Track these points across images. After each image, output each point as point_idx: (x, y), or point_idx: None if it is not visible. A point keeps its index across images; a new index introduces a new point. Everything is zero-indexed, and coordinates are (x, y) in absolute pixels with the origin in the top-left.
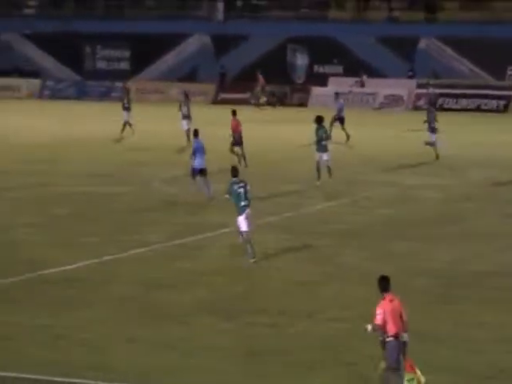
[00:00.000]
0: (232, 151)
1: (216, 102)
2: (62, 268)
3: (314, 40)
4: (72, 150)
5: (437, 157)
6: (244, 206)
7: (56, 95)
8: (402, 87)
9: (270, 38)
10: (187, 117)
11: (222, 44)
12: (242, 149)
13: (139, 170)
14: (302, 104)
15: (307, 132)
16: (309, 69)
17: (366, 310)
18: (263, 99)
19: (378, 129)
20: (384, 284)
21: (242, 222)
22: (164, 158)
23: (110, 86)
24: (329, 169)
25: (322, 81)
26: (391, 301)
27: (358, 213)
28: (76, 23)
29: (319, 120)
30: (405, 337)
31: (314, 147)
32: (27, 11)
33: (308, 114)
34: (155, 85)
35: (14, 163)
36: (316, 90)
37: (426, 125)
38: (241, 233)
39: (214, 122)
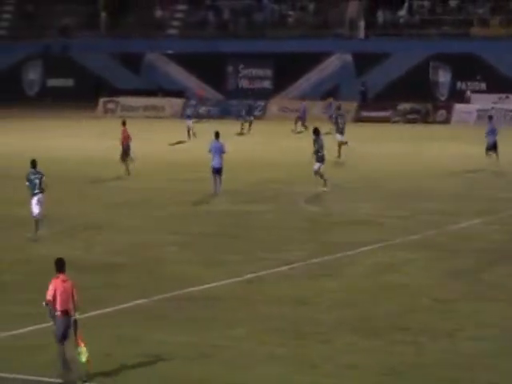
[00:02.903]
0: (122, 160)
1: (357, 120)
2: (206, 286)
3: (456, 57)
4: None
5: None
6: (37, 192)
7: (199, 115)
8: None
9: (412, 55)
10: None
11: (363, 62)
12: (129, 159)
13: (281, 188)
14: (445, 121)
15: (451, 149)
16: (451, 86)
17: (509, 328)
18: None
19: None
20: (59, 265)
21: (34, 207)
22: (306, 176)
23: (252, 105)
24: (322, 176)
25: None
26: (64, 281)
27: (504, 231)
28: (218, 43)
29: (316, 132)
30: (76, 315)
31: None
32: (171, 31)
33: (451, 132)
34: (297, 103)
35: (167, 181)
36: (459, 107)
37: None
38: (32, 215)
39: (354, 139)
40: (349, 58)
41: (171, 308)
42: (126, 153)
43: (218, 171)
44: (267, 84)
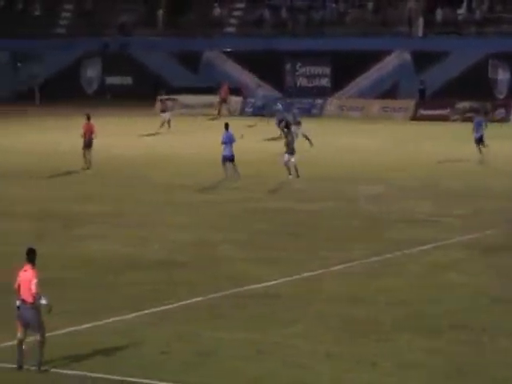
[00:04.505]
0: (84, 154)
1: (415, 118)
2: (264, 284)
3: None
4: (272, 167)
5: None
6: None
7: (257, 112)
8: None
9: (471, 53)
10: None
11: (422, 60)
12: (90, 152)
13: (340, 186)
14: (504, 119)
15: (509, 148)
16: (510, 84)
17: None
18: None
19: None
20: (29, 256)
21: None
22: (366, 174)
23: (310, 103)
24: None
25: None
26: (25, 271)
27: None
28: (276, 41)
29: (287, 125)
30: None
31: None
32: (228, 29)
33: (510, 130)
34: (355, 101)
35: (221, 178)
36: None
37: None
38: None
39: (413, 138)
40: (407, 56)
41: (229, 306)
42: (87, 145)
43: (230, 159)
44: (325, 82)
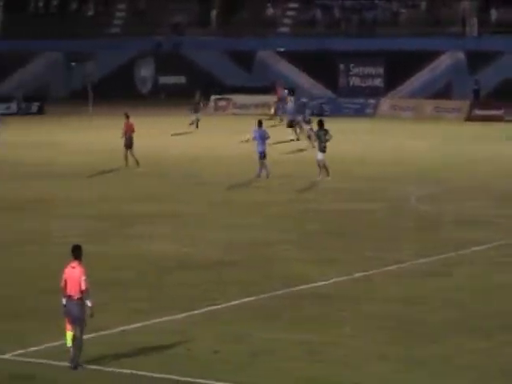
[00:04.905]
0: (126, 152)
1: (470, 118)
2: (316, 284)
3: None
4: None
5: None
6: None
7: (310, 112)
8: None
9: None
10: None
11: (476, 60)
12: (132, 151)
13: (390, 186)
14: None
15: None
16: None
17: None
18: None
19: None
20: (75, 253)
21: None
22: (417, 174)
23: (363, 103)
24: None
25: None
26: (73, 267)
27: None
28: (329, 41)
29: (320, 124)
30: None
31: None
32: (282, 29)
33: None
34: (408, 101)
35: (271, 179)
36: None
37: None
38: None
39: (466, 138)
40: (461, 56)
41: (282, 306)
42: (128, 144)
43: (262, 156)
44: (378, 82)
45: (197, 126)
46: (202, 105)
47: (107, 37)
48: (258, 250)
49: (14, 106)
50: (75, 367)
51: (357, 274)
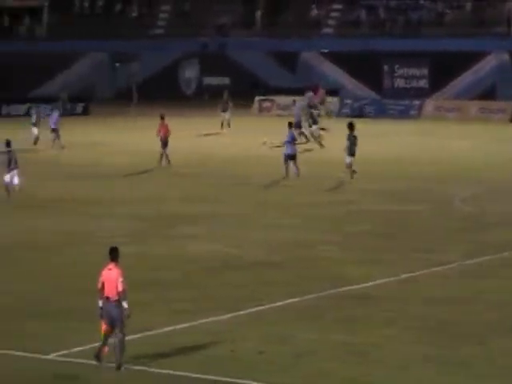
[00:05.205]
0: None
1: None
2: (360, 285)
3: None
4: (370, 168)
5: None
6: (11, 169)
7: (355, 113)
8: None
9: None
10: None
11: None
12: (166, 151)
13: (434, 187)
14: None
15: None
16: None
17: None
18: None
19: None
20: (112, 255)
21: (8, 178)
22: (461, 175)
23: (408, 105)
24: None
25: None
26: (110, 269)
27: None
28: (374, 42)
29: (350, 127)
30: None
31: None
32: (326, 30)
33: None
34: (453, 103)
35: (315, 179)
36: None
37: None
38: (6, 185)
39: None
40: (506, 56)
41: (325, 307)
42: (164, 145)
43: (292, 157)
44: (423, 83)
45: (229, 126)
46: (230, 104)
47: (151, 38)
48: (302, 251)
49: (59, 107)
50: (118, 367)
51: (402, 275)
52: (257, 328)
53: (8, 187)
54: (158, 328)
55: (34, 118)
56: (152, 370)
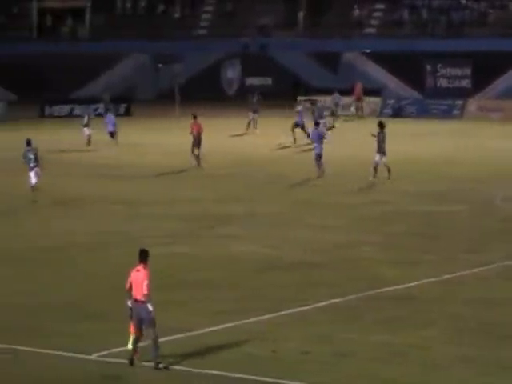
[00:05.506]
0: (192, 152)
1: None
2: (400, 286)
3: None
4: (410, 168)
5: None
6: (33, 166)
7: (397, 113)
8: None
9: None
10: None
11: None
12: (199, 150)
13: (476, 188)
14: None
15: None
16: None
17: None
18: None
19: None
20: (142, 256)
21: (32, 178)
22: (503, 175)
23: (450, 104)
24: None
25: None
26: (138, 271)
27: None
28: (416, 42)
29: (381, 125)
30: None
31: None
32: (368, 30)
33: None
34: (496, 103)
35: (355, 180)
36: None
37: None
38: (30, 185)
39: None
40: None
41: (366, 307)
42: (197, 144)
43: (319, 156)
44: (466, 83)
45: (254, 127)
46: (259, 105)
47: (194, 38)
48: (342, 251)
49: (101, 108)
50: (156, 366)
51: (443, 276)
52: (299, 328)
53: (32, 186)
54: (200, 328)
55: (85, 120)
56: (194, 370)
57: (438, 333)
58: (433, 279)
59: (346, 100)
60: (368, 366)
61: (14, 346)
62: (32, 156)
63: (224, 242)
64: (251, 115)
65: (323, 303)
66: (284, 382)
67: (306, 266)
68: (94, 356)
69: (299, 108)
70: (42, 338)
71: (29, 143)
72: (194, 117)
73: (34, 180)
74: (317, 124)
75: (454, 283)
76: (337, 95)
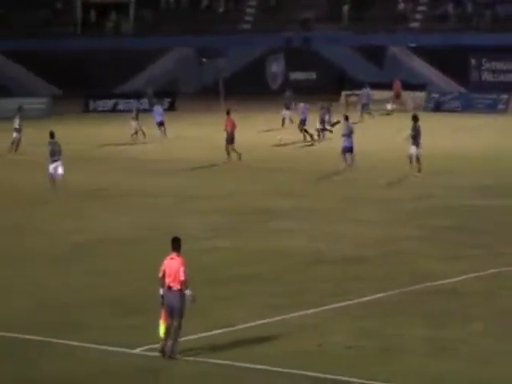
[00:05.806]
0: (226, 149)
1: None
2: (446, 280)
3: None
4: (454, 163)
5: None
6: (54, 159)
7: (441, 108)
8: None
9: None
10: None
11: None
12: (233, 146)
13: None
14: None
15: None
16: None
17: None
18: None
19: None
20: (174, 245)
21: (52, 169)
22: None
23: (495, 99)
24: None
25: None
26: (172, 259)
27: None
28: (461, 36)
29: (415, 118)
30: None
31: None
32: (413, 25)
33: None
34: None
35: (401, 175)
36: None
37: None
38: (50, 175)
39: None
40: None
41: (411, 302)
42: (230, 140)
43: (350, 150)
44: (511, 77)
45: (282, 124)
46: (293, 103)
47: (238, 33)
48: (388, 246)
49: (145, 102)
50: (172, 356)
51: (488, 271)
52: (344, 323)
53: (52, 178)
54: (247, 322)
55: (134, 113)
56: (239, 363)
57: (485, 328)
58: (478, 274)
59: (383, 95)
60: (415, 360)
61: (60, 341)
62: (57, 148)
63: (272, 235)
64: (284, 111)
65: (370, 297)
66: (330, 376)
67: (350, 261)
68: (137, 350)
69: (302, 105)
70: (87, 332)
71: (52, 135)
72: (228, 113)
73: (60, 171)
74: (346, 118)
75: (499, 278)
76: (367, 89)
